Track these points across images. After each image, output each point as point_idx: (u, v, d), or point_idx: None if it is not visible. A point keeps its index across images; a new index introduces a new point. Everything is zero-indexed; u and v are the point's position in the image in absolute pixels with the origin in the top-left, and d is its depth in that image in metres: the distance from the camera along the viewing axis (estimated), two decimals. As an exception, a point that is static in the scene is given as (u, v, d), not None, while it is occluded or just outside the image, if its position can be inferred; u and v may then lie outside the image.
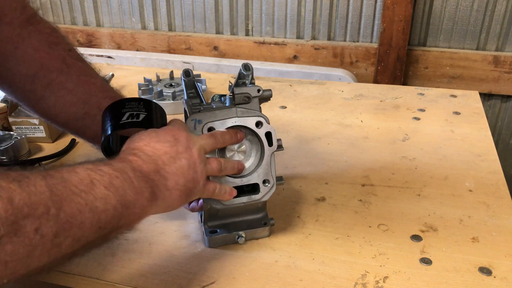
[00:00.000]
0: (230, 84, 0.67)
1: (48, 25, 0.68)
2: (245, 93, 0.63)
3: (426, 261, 0.63)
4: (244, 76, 0.69)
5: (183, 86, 0.70)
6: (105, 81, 0.71)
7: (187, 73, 0.69)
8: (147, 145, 0.54)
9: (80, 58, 0.69)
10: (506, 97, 1.50)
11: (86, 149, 0.91)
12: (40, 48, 0.65)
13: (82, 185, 0.44)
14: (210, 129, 0.61)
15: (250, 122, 0.63)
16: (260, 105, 0.66)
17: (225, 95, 0.67)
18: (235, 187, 0.63)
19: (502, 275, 0.60)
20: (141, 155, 0.53)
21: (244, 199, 0.63)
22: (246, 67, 0.68)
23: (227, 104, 0.65)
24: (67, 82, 0.66)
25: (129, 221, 0.49)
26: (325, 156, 0.87)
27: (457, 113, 1.02)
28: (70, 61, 0.67)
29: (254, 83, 0.67)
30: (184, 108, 0.68)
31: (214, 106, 0.65)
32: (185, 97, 0.69)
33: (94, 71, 0.70)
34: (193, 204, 0.69)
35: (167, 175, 0.53)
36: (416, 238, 0.67)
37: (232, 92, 0.64)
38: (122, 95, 0.70)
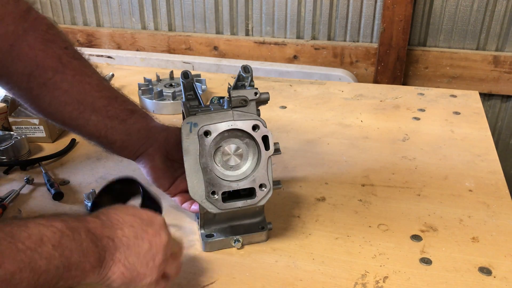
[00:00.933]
0: (229, 86, 0.67)
1: (44, 21, 0.66)
2: (242, 96, 0.62)
3: (426, 261, 0.63)
4: (244, 78, 0.69)
5: (181, 88, 0.70)
6: (102, 79, 0.70)
7: (185, 75, 0.69)
8: (116, 214, 0.51)
9: (76, 56, 0.68)
10: (506, 97, 1.50)
11: (86, 149, 0.91)
12: (36, 46, 0.64)
13: (29, 241, 0.42)
14: (206, 132, 0.61)
15: (247, 126, 0.62)
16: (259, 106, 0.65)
17: (224, 97, 0.67)
18: (231, 191, 0.62)
19: (502, 275, 0.60)
20: (103, 219, 0.50)
21: (239, 203, 0.62)
22: (246, 69, 0.68)
23: (225, 107, 0.64)
24: (62, 82, 0.65)
25: (66, 284, 0.46)
26: (325, 156, 0.87)
27: (457, 113, 1.02)
28: (65, 60, 0.66)
29: (253, 85, 0.67)
30: (182, 110, 0.68)
31: (212, 109, 0.64)
32: (183, 99, 0.69)
33: (91, 69, 0.69)
34: (185, 205, 0.69)
35: (120, 245, 0.49)
36: (416, 238, 0.67)
37: (228, 95, 0.63)
38: (119, 94, 0.70)
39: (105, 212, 0.51)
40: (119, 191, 0.64)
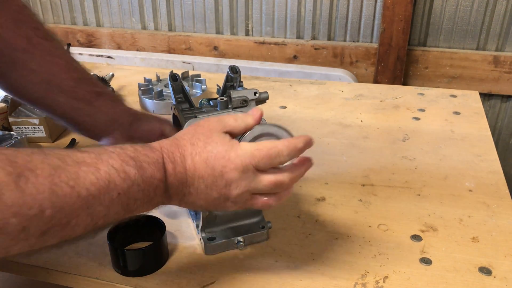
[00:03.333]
0: (218, 88, 0.67)
1: (16, 1, 0.67)
2: (242, 96, 0.63)
3: (426, 261, 0.63)
4: (232, 79, 0.69)
5: (170, 91, 0.69)
6: (72, 60, 0.71)
7: (173, 77, 0.69)
8: (193, 162, 0.51)
9: (47, 37, 0.68)
10: (506, 97, 1.50)
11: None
12: (6, 25, 0.65)
13: (95, 187, 0.43)
14: None
15: None
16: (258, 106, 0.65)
17: (214, 99, 0.66)
18: None
19: (502, 275, 0.60)
20: (180, 172, 0.50)
21: None
22: (234, 69, 0.68)
23: (218, 109, 0.64)
24: (31, 62, 0.66)
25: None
26: (325, 156, 0.87)
27: (457, 113, 1.02)
28: (35, 40, 0.66)
29: (242, 85, 0.67)
30: (173, 114, 0.68)
31: (205, 111, 0.64)
32: (173, 102, 0.69)
33: (61, 51, 0.70)
34: None
35: (189, 199, 0.52)
36: (416, 238, 0.67)
37: (228, 95, 0.63)
38: (88, 76, 0.72)
39: (182, 157, 0.51)
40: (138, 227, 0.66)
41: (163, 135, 0.69)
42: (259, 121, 0.55)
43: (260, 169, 0.52)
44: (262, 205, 0.54)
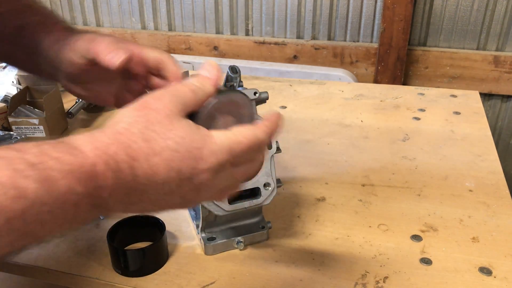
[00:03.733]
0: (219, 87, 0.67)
1: None
2: None
3: (426, 261, 0.63)
4: (232, 79, 0.69)
5: None
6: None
7: (234, 70, 0.68)
8: (151, 166, 0.37)
9: None
10: (506, 97, 1.50)
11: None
12: None
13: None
14: None
15: None
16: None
17: None
18: None
19: (502, 275, 0.60)
20: (124, 172, 0.37)
21: (245, 204, 0.61)
22: (233, 69, 0.68)
23: None
24: None
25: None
26: (325, 156, 0.87)
27: (457, 113, 1.02)
28: None
29: (242, 85, 0.67)
30: None
31: None
32: None
33: None
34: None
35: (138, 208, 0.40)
36: (416, 238, 0.67)
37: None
38: (15, 6, 0.58)
39: (131, 161, 0.37)
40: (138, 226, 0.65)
41: (90, 63, 0.52)
42: (217, 82, 0.45)
43: (236, 164, 0.42)
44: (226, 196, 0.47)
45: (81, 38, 0.52)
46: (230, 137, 0.41)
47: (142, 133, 0.37)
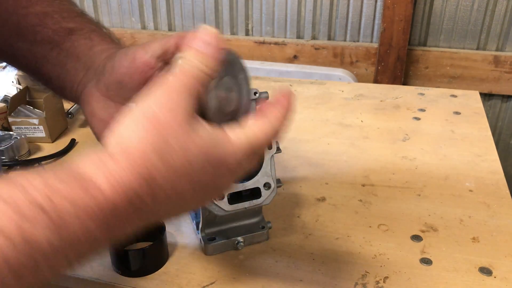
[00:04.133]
0: None
1: None
2: None
3: (426, 261, 0.62)
4: None
5: None
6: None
7: None
8: (166, 189, 0.34)
9: None
10: (506, 97, 1.50)
11: (86, 150, 0.90)
12: None
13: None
14: None
15: None
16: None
17: None
18: (234, 193, 0.62)
19: (503, 275, 0.60)
20: (148, 205, 0.34)
21: (245, 204, 0.61)
22: None
23: None
24: None
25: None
26: (325, 156, 0.87)
27: (457, 113, 1.02)
28: None
29: None
30: None
31: None
32: None
33: None
34: None
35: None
36: (416, 238, 0.67)
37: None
38: (59, 7, 0.49)
39: (152, 192, 0.33)
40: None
41: (149, 67, 0.44)
42: (219, 56, 0.39)
43: (253, 157, 0.41)
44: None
45: (135, 49, 0.46)
46: (248, 135, 0.38)
47: (159, 155, 0.33)
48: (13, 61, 0.51)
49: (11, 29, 0.47)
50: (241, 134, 0.38)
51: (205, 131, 0.36)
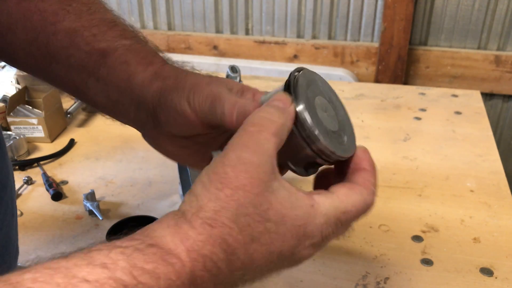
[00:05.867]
0: None
1: None
2: None
3: (427, 261, 0.62)
4: (232, 78, 0.68)
5: None
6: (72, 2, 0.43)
7: (234, 69, 0.68)
8: (251, 255, 0.33)
9: None
10: (507, 97, 1.49)
11: (84, 149, 0.90)
12: None
13: None
14: None
15: None
16: None
17: None
18: None
19: (504, 275, 0.60)
20: (222, 271, 0.32)
21: None
22: (233, 69, 0.67)
23: None
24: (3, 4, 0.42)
25: None
26: (325, 156, 0.87)
27: (458, 113, 1.02)
28: None
29: None
30: None
31: None
32: None
33: None
34: None
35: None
36: (417, 238, 0.66)
37: None
38: (92, 22, 0.43)
39: (230, 256, 0.32)
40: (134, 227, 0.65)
41: (209, 125, 0.41)
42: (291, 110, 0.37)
43: (339, 232, 0.39)
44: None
45: (199, 89, 0.40)
46: (337, 205, 0.36)
47: (235, 222, 0.31)
48: (49, 81, 0.47)
49: (41, 50, 0.43)
50: (329, 204, 0.35)
51: (286, 194, 0.33)
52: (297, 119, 0.37)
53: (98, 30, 0.42)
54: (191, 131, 0.42)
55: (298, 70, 0.41)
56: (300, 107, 0.37)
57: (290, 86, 0.39)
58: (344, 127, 0.43)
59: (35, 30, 0.42)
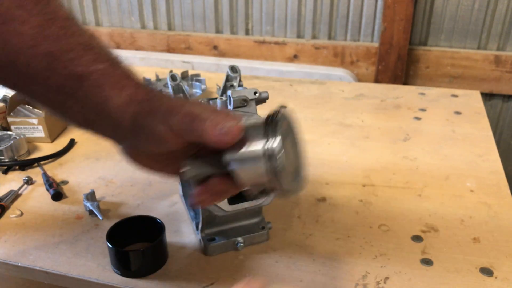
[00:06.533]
0: (218, 87, 0.67)
1: None
2: (242, 96, 0.62)
3: (427, 261, 0.62)
4: (232, 78, 0.68)
5: (169, 91, 0.69)
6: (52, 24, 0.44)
7: (173, 77, 0.68)
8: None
9: None
10: (507, 97, 1.49)
11: (84, 149, 0.90)
12: None
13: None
14: None
15: None
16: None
17: (214, 99, 0.66)
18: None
19: (504, 275, 0.60)
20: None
21: (245, 204, 0.61)
22: (233, 69, 0.67)
23: (218, 108, 0.63)
24: None
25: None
26: (325, 156, 0.87)
27: (458, 113, 1.02)
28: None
29: (242, 85, 0.67)
30: None
31: None
32: None
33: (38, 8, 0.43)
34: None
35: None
36: (417, 238, 0.66)
37: (228, 95, 0.63)
38: (71, 45, 0.44)
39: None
40: (136, 227, 0.65)
41: (188, 144, 0.45)
42: None
43: None
44: None
45: (175, 111, 0.43)
46: None
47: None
48: (32, 101, 0.49)
49: (21, 71, 0.44)
50: None
51: None
52: (272, 154, 0.42)
53: (75, 54, 0.44)
54: (167, 149, 0.45)
55: (280, 108, 0.46)
56: (275, 144, 0.42)
57: (270, 125, 0.44)
58: (300, 166, 0.49)
59: (16, 52, 0.43)
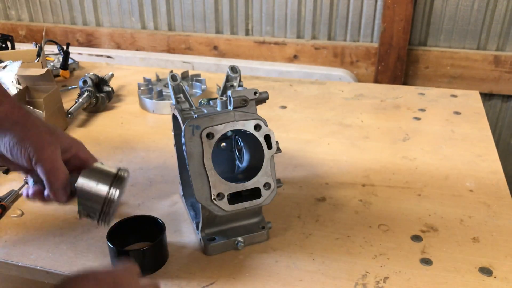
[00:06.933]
0: (218, 87, 0.67)
1: None
2: (242, 96, 0.62)
3: (426, 261, 0.62)
4: (232, 79, 0.68)
5: (170, 91, 0.69)
6: None
7: (173, 77, 0.68)
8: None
9: None
10: (506, 97, 1.49)
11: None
12: None
13: None
14: (209, 134, 0.60)
15: (249, 126, 0.61)
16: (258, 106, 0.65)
17: (214, 99, 0.66)
18: (234, 193, 0.62)
19: (503, 275, 0.60)
20: None
21: (245, 204, 0.61)
22: (233, 69, 0.67)
23: (218, 108, 0.64)
24: None
25: None
26: (325, 156, 0.87)
27: (457, 113, 1.02)
28: None
29: (242, 85, 0.67)
30: (173, 113, 0.68)
31: (205, 111, 0.64)
32: (173, 102, 0.68)
33: None
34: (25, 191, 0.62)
35: None
36: (416, 238, 0.67)
37: (228, 95, 0.63)
38: None
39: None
40: (135, 226, 0.66)
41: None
42: None
43: None
44: None
45: (41, 152, 0.54)
46: None
47: None
48: None
49: None
50: None
51: None
52: (110, 198, 0.56)
53: None
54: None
55: (125, 170, 0.59)
56: (114, 192, 0.56)
57: (117, 179, 0.57)
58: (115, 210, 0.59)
59: None
